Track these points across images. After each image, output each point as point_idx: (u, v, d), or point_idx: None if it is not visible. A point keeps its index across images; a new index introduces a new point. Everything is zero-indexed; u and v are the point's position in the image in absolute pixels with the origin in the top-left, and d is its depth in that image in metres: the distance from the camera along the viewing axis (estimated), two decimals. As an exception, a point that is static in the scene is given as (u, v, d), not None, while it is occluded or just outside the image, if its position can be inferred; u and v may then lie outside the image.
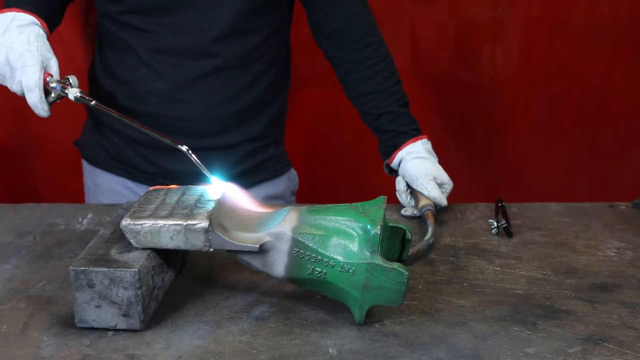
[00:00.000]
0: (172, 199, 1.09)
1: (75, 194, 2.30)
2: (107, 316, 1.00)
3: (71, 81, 1.36)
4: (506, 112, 2.21)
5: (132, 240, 1.04)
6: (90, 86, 1.68)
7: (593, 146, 2.22)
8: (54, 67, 1.35)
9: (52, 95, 1.33)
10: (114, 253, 1.04)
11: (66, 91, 1.33)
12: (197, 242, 1.02)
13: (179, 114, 1.54)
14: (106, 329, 1.01)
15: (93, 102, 1.32)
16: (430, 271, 1.21)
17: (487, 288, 1.15)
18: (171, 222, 1.02)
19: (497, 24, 2.13)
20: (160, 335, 1.01)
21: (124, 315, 1.00)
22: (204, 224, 1.01)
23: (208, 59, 1.52)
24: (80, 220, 1.42)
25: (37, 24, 1.39)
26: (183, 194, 1.11)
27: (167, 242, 1.03)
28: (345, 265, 1.00)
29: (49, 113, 1.35)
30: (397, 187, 1.49)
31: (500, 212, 1.39)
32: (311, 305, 1.09)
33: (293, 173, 1.75)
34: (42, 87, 1.32)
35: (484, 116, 2.22)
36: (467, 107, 2.21)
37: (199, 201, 1.07)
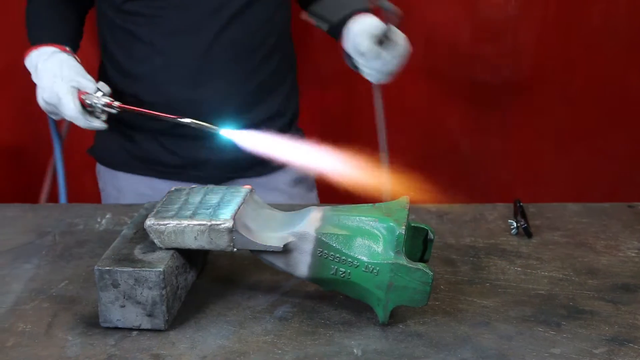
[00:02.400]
0: (195, 198, 1.09)
1: (87, 194, 2.31)
2: (132, 316, 1.01)
3: (104, 91, 1.43)
4: (521, 112, 2.21)
5: (156, 240, 1.04)
6: None
7: (608, 146, 2.22)
8: (86, 86, 1.42)
9: (97, 110, 1.42)
10: (138, 253, 1.04)
11: (103, 104, 1.42)
12: (221, 242, 1.02)
13: (202, 96, 1.53)
14: (130, 329, 1.02)
15: (116, 104, 1.41)
16: (451, 271, 1.21)
17: (510, 288, 1.14)
18: (195, 222, 1.02)
19: (513, 24, 2.13)
20: (185, 335, 1.01)
21: (149, 315, 1.00)
22: (229, 224, 1.01)
23: (224, 33, 1.51)
24: (99, 220, 1.42)
25: (58, 52, 1.47)
26: (206, 193, 1.11)
27: (191, 242, 1.03)
28: (370, 266, 1.00)
29: (104, 125, 1.45)
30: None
31: (519, 213, 1.39)
32: (334, 305, 1.09)
33: None
34: (82, 111, 1.41)
35: (499, 116, 2.22)
36: (482, 107, 2.21)
37: (222, 201, 1.07)
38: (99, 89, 1.44)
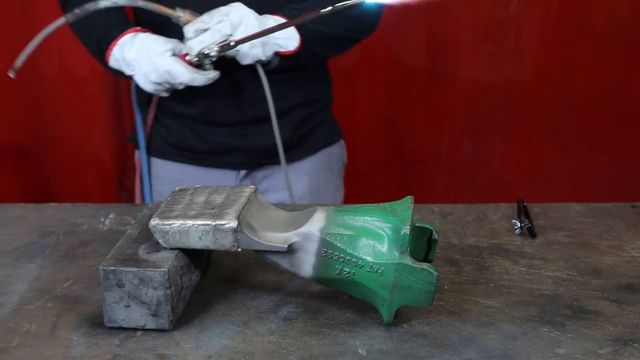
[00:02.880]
0: (199, 198, 1.09)
1: (89, 193, 2.32)
2: (136, 316, 1.01)
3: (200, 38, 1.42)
4: (523, 113, 2.21)
5: (160, 240, 1.04)
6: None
7: (610, 146, 2.22)
8: (180, 47, 1.45)
9: (207, 62, 1.42)
10: (142, 253, 1.04)
11: (217, 50, 1.41)
12: (226, 242, 1.02)
13: (237, 82, 1.55)
14: (135, 329, 1.02)
15: (232, 42, 1.41)
16: (455, 271, 1.21)
17: (514, 288, 1.14)
18: (200, 222, 1.02)
19: (515, 25, 2.13)
20: (189, 335, 1.01)
21: (153, 315, 1.00)
22: (233, 224, 1.01)
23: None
24: (102, 220, 1.42)
25: (133, 35, 1.48)
26: (210, 193, 1.11)
27: (196, 242, 1.03)
28: (374, 266, 1.00)
29: (217, 72, 1.45)
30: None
31: (523, 213, 1.39)
32: (338, 305, 1.09)
33: (342, 143, 1.78)
34: (194, 70, 1.42)
35: (501, 117, 2.22)
36: (484, 108, 2.21)
37: (227, 201, 1.07)
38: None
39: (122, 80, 2.22)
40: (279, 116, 1.56)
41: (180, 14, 1.46)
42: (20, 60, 1.11)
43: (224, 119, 1.60)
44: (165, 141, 1.69)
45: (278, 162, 1.62)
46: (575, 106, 2.19)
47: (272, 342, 0.99)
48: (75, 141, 2.30)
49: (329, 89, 1.75)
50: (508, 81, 2.16)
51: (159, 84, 1.46)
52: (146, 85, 1.49)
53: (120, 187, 2.35)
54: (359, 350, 0.97)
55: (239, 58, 1.47)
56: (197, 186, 1.15)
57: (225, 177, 1.69)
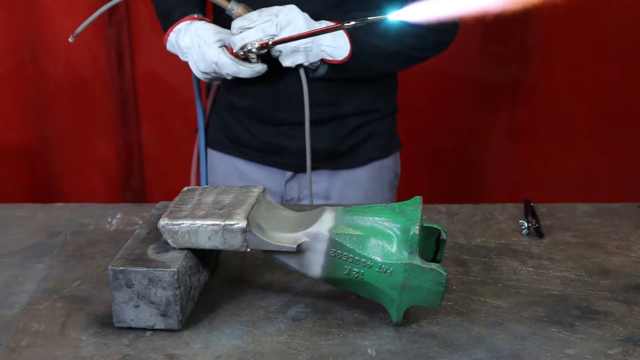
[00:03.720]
0: (208, 198, 1.09)
1: (95, 193, 2.32)
2: (146, 316, 1.01)
3: (245, 35, 1.43)
4: (530, 113, 2.21)
5: (169, 240, 1.04)
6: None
7: (616, 147, 2.21)
8: (229, 39, 1.45)
9: (252, 57, 1.44)
10: (151, 253, 1.04)
11: (258, 47, 1.42)
12: (235, 243, 1.02)
13: (287, 82, 1.53)
14: (144, 329, 1.02)
15: (270, 41, 1.42)
16: (463, 272, 1.21)
17: (522, 289, 1.14)
18: (209, 222, 1.02)
19: (521, 25, 2.13)
20: (198, 335, 1.01)
21: (162, 315, 1.00)
22: (242, 224, 1.01)
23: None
24: (109, 220, 1.42)
25: (189, 23, 1.50)
26: (219, 193, 1.11)
27: (205, 242, 1.03)
28: (383, 266, 1.00)
29: (264, 66, 1.45)
30: None
31: (530, 213, 1.39)
32: (346, 305, 1.09)
33: (398, 156, 1.74)
34: (240, 62, 1.44)
35: (507, 117, 2.21)
36: (490, 108, 2.21)
37: (236, 201, 1.07)
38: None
39: (128, 80, 2.22)
40: (330, 121, 1.56)
41: (233, 7, 1.47)
42: (81, 27, 1.12)
43: (272, 117, 1.60)
44: (221, 133, 1.69)
45: (327, 168, 1.61)
46: (582, 106, 2.19)
47: (281, 342, 0.99)
48: (80, 141, 2.30)
49: (390, 99, 1.69)
50: (515, 81, 2.16)
51: (207, 73, 1.49)
52: (197, 73, 1.51)
53: (126, 187, 2.35)
54: (368, 351, 0.97)
55: (280, 59, 1.46)
56: (206, 186, 1.15)
57: (274, 176, 1.67)
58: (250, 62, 1.45)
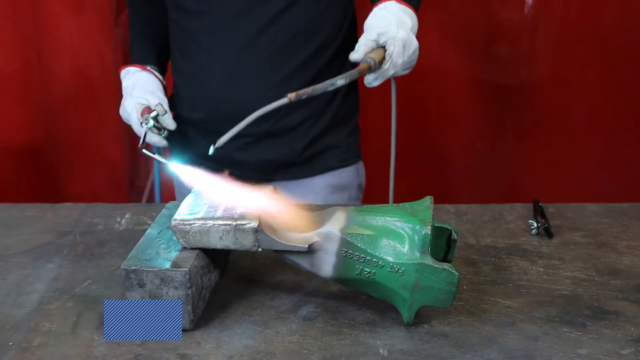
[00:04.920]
0: (219, 198, 1.09)
1: (100, 193, 2.32)
2: (157, 316, 1.01)
3: (160, 111, 1.49)
4: (537, 113, 2.20)
5: (181, 240, 1.04)
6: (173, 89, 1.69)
7: (624, 147, 2.21)
8: (152, 103, 1.49)
9: (145, 123, 1.47)
10: (163, 253, 1.04)
11: (148, 122, 1.47)
12: (246, 242, 1.02)
13: (239, 96, 1.52)
14: (155, 329, 1.01)
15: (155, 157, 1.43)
16: (473, 272, 1.21)
17: (533, 289, 1.14)
18: (220, 222, 1.02)
19: (530, 25, 2.13)
20: (210, 335, 1.01)
21: (174, 315, 1.00)
22: (254, 223, 1.01)
23: (263, 34, 1.49)
24: (118, 220, 1.42)
25: (138, 71, 1.58)
26: (229, 193, 1.10)
27: (216, 242, 1.03)
28: (395, 266, 1.00)
29: (164, 142, 1.50)
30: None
31: (539, 213, 1.39)
32: (357, 305, 1.09)
33: (361, 166, 1.71)
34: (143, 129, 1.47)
35: (515, 117, 2.21)
36: (498, 108, 2.21)
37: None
38: (155, 112, 1.49)
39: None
40: (288, 130, 1.55)
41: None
42: (223, 140, 1.14)
43: (225, 129, 1.54)
44: (182, 145, 1.67)
45: (285, 179, 1.61)
46: (589, 106, 2.19)
47: (293, 342, 0.99)
48: (86, 141, 2.30)
49: (349, 107, 1.65)
50: (522, 81, 2.16)
51: (124, 117, 1.55)
52: (120, 112, 1.57)
53: (132, 187, 2.35)
54: (380, 351, 0.97)
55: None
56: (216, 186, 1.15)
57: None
58: (156, 132, 1.48)
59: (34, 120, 2.26)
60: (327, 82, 1.19)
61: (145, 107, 1.50)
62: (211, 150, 1.15)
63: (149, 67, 1.60)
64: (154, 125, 1.48)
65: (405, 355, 0.96)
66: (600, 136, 2.22)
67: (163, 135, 1.50)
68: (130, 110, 1.51)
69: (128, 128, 1.55)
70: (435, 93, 2.20)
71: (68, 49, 2.21)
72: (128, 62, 1.67)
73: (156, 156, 1.34)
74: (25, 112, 2.25)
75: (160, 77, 1.61)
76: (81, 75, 2.23)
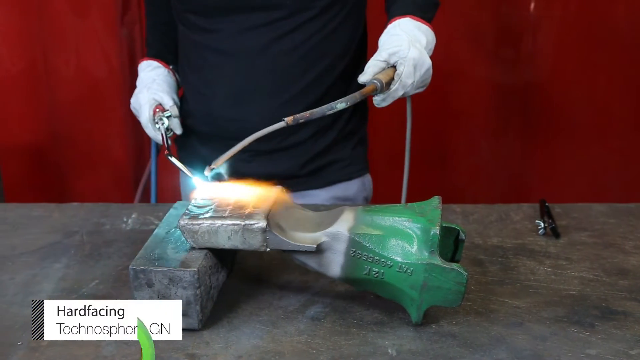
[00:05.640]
0: (227, 199, 1.09)
1: (106, 193, 2.32)
2: (166, 316, 1.00)
3: (173, 113, 1.53)
4: (544, 114, 2.20)
5: (189, 240, 1.04)
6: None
7: (629, 147, 2.21)
8: (166, 103, 1.53)
9: (161, 126, 1.52)
10: (171, 252, 1.04)
11: (166, 128, 1.52)
12: (255, 242, 1.02)
13: (244, 116, 1.51)
14: (164, 329, 1.01)
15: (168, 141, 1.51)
16: (480, 272, 1.21)
17: (540, 289, 1.14)
18: (229, 222, 1.02)
19: (534, 24, 2.12)
20: (218, 334, 1.01)
21: (183, 315, 1.00)
22: (262, 223, 1.01)
23: (269, 55, 1.48)
24: (125, 220, 1.42)
25: (160, 67, 1.61)
26: (237, 194, 1.11)
27: (225, 242, 1.03)
28: (404, 266, 1.00)
29: (162, 143, 1.52)
30: None
31: (546, 213, 1.39)
32: (365, 305, 1.09)
33: (368, 178, 1.68)
34: (152, 122, 1.52)
35: (521, 117, 2.21)
36: (504, 108, 2.20)
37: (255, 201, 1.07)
38: (169, 112, 1.52)
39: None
40: (293, 146, 1.55)
41: None
42: (219, 162, 1.13)
43: (227, 144, 1.52)
44: (189, 154, 1.66)
45: (288, 191, 1.60)
46: (596, 107, 2.18)
47: (302, 342, 0.99)
48: (92, 141, 2.30)
49: (357, 123, 1.63)
50: (529, 81, 2.16)
51: (134, 108, 1.58)
52: (131, 101, 1.59)
53: (137, 187, 2.35)
54: (389, 351, 0.97)
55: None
56: (223, 186, 1.15)
57: None
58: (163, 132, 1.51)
59: (39, 120, 2.27)
60: (326, 106, 1.16)
61: (158, 105, 1.52)
62: (207, 172, 1.14)
63: (171, 67, 1.63)
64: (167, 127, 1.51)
65: (414, 355, 0.96)
66: (606, 136, 2.22)
67: (169, 135, 1.52)
68: (143, 103, 1.52)
69: (133, 128, 1.56)
70: (440, 94, 2.20)
71: (74, 49, 2.21)
72: (134, 61, 1.68)
73: (181, 165, 1.33)
74: (30, 112, 2.26)
75: (178, 79, 1.63)
76: (87, 75, 2.23)
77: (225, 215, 1.04)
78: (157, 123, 1.50)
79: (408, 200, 1.49)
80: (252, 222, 1.02)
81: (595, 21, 2.13)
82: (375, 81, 1.25)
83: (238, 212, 1.04)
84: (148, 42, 1.70)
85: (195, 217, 1.04)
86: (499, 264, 1.23)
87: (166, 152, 1.40)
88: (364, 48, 1.61)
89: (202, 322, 1.02)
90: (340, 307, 1.09)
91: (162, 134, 1.50)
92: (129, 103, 1.59)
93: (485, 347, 0.98)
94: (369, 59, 1.34)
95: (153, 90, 1.54)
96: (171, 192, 2.10)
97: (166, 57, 1.65)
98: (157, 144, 1.81)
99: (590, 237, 1.34)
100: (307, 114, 1.14)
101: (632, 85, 2.18)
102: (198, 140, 1.61)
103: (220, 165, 1.15)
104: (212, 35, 1.51)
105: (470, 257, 1.26)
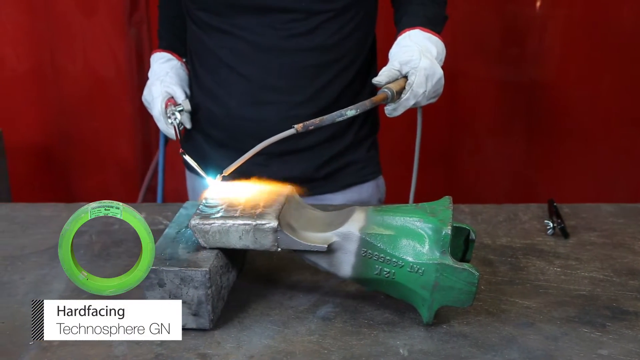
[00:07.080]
0: (238, 198, 1.09)
1: (113, 192, 2.32)
2: (177, 315, 1.01)
3: (185, 108, 1.54)
4: (551, 113, 2.20)
5: (200, 240, 1.04)
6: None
7: (635, 147, 2.20)
8: (178, 96, 1.53)
9: (173, 120, 1.52)
10: (182, 252, 1.04)
11: (178, 122, 1.52)
12: (266, 242, 1.03)
13: (260, 116, 1.51)
14: (175, 328, 1.02)
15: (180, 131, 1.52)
16: (490, 272, 1.20)
17: (551, 289, 1.14)
18: (240, 222, 1.02)
19: (539, 24, 2.12)
20: (229, 334, 1.01)
21: (194, 315, 1.01)
22: (273, 223, 1.01)
23: (286, 57, 1.48)
24: (134, 219, 1.42)
25: (173, 60, 1.61)
26: (248, 194, 1.11)
27: (236, 242, 1.03)
28: (415, 266, 1.00)
29: (174, 137, 1.53)
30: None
31: (554, 213, 1.39)
32: (375, 305, 1.09)
33: (381, 180, 1.68)
34: (164, 115, 1.52)
35: (528, 117, 2.21)
36: (511, 108, 2.20)
37: (266, 201, 1.07)
38: (181, 106, 1.53)
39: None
40: (307, 149, 1.54)
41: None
42: (230, 169, 1.13)
43: (239, 145, 1.40)
44: (199, 157, 1.65)
45: (303, 195, 1.59)
46: (599, 106, 2.18)
47: (313, 342, 0.99)
48: (99, 140, 2.31)
49: (369, 126, 1.63)
50: (536, 81, 2.16)
51: (146, 100, 1.59)
52: (144, 93, 1.59)
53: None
54: (401, 351, 0.97)
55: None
56: (233, 186, 1.15)
57: None
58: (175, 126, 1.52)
59: (46, 119, 2.27)
60: (336, 112, 1.16)
61: (170, 98, 1.52)
62: (218, 179, 1.14)
63: (184, 60, 1.63)
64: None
65: (426, 355, 0.96)
66: (613, 136, 2.22)
67: (179, 128, 1.52)
68: (156, 95, 1.53)
69: (140, 127, 1.56)
70: (446, 93, 2.20)
71: (81, 48, 2.22)
72: (141, 61, 1.68)
73: (195, 164, 1.30)
74: (38, 111, 2.26)
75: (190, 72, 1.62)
76: (94, 74, 2.23)
77: (237, 215, 1.04)
78: (169, 117, 1.50)
79: (415, 200, 1.49)
80: (263, 222, 1.02)
81: (601, 21, 2.12)
82: (386, 90, 1.26)
83: (249, 212, 1.04)
84: (160, 33, 1.70)
85: (206, 216, 1.04)
86: (509, 264, 1.23)
87: (181, 150, 1.39)
88: (374, 51, 1.61)
89: (214, 322, 1.02)
90: (350, 307, 1.09)
91: (175, 129, 1.50)
92: (137, 102, 1.59)
93: (496, 347, 0.98)
94: (379, 67, 1.34)
95: (166, 83, 1.54)
96: (175, 192, 2.11)
97: (179, 49, 1.64)
98: (164, 144, 1.81)
99: (600, 237, 1.33)
100: (317, 120, 1.14)
101: (638, 84, 2.18)
102: (207, 141, 1.61)
103: (231, 172, 1.14)
104: (226, 35, 1.50)
105: (480, 257, 1.26)
